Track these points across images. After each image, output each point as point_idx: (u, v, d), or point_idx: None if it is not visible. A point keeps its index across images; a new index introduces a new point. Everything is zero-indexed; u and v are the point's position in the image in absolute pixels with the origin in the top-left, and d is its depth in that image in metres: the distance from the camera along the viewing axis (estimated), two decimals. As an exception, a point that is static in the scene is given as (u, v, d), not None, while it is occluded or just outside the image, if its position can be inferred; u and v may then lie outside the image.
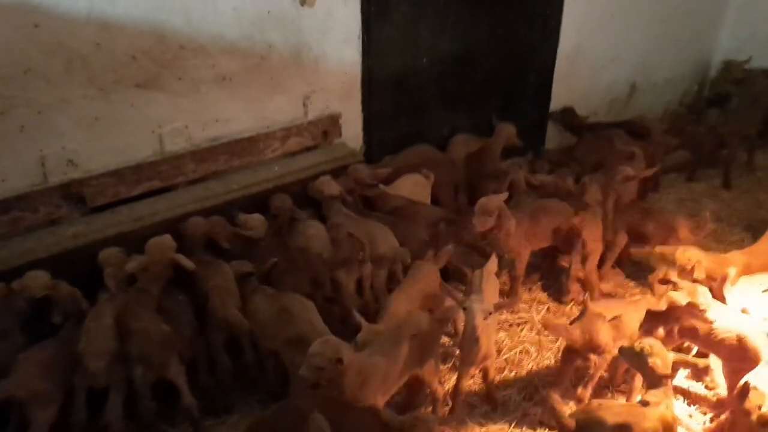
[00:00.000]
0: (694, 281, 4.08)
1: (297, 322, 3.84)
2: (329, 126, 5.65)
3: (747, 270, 4.56)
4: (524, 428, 4.04)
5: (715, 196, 7.41)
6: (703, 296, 3.75)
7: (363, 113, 5.88)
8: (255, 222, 4.60)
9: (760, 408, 3.30)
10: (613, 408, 3.34)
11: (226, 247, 4.47)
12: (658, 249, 4.62)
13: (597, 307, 4.02)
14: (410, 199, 5.36)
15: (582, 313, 4.01)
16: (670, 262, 4.33)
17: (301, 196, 5.09)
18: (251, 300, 4.09)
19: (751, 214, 6.90)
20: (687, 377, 4.43)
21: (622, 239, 5.51)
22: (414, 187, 5.56)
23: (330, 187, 4.99)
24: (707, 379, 4.21)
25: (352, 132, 5.87)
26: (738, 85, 8.93)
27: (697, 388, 4.38)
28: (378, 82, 5.79)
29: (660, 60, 8.72)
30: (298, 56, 5.22)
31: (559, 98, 7.58)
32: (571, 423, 3.19)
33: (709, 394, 4.31)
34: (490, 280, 4.14)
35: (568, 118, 7.60)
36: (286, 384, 3.89)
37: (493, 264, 4.35)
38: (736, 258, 4.67)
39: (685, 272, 4.24)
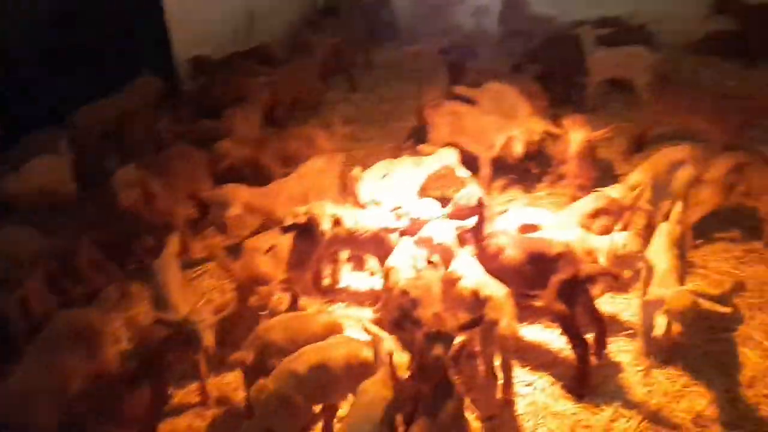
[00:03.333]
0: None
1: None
2: None
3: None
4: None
5: (347, 100, 8.20)
6: (333, 209, 4.28)
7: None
8: None
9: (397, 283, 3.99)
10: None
11: None
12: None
13: (253, 241, 4.31)
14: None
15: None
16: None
17: None
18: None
19: (378, 112, 7.83)
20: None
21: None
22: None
23: None
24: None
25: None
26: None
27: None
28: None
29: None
30: None
31: (183, 43, 7.49)
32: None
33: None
34: (170, 265, 4.14)
35: (200, 65, 7.61)
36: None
37: (172, 247, 4.32)
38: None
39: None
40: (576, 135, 5.34)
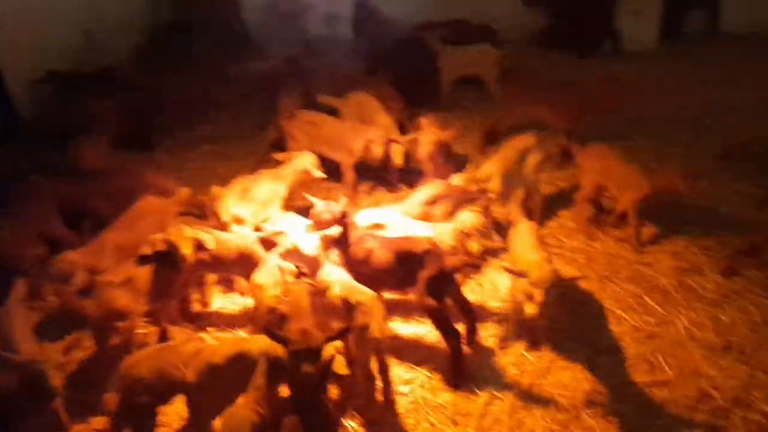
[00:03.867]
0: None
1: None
2: None
3: None
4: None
5: (206, 118, 7.97)
6: (193, 232, 4.13)
7: None
8: None
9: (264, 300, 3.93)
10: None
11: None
12: None
13: (106, 276, 4.08)
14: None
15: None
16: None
17: None
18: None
19: (237, 127, 7.66)
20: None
21: None
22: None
23: None
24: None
25: None
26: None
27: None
28: None
29: None
30: None
31: (15, 69, 6.95)
32: None
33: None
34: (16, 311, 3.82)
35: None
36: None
37: (17, 292, 4.00)
38: None
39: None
40: (425, 137, 5.50)
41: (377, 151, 5.67)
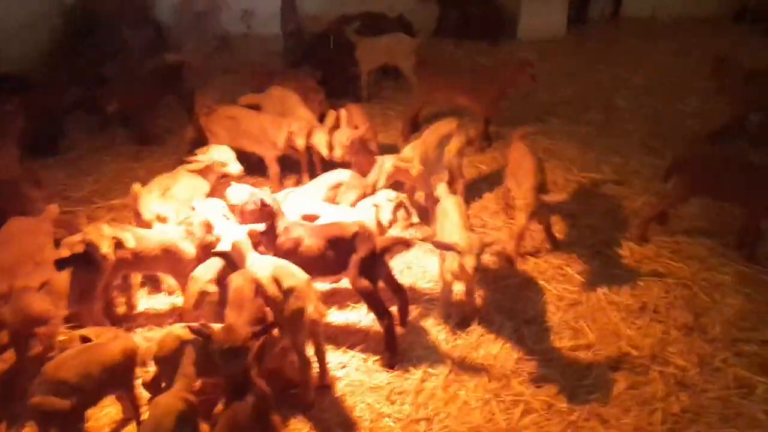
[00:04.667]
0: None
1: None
2: None
3: None
4: None
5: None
6: (112, 231, 4.01)
7: None
8: None
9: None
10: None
11: None
12: None
13: (22, 280, 3.89)
14: None
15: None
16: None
17: None
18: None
19: (155, 127, 7.46)
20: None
21: None
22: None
23: None
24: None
25: None
26: None
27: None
28: None
29: None
30: None
31: None
32: None
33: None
34: None
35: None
36: None
37: None
38: None
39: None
40: (341, 135, 5.52)
41: (300, 143, 5.66)
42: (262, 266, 3.83)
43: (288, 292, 3.69)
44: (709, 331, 4.33)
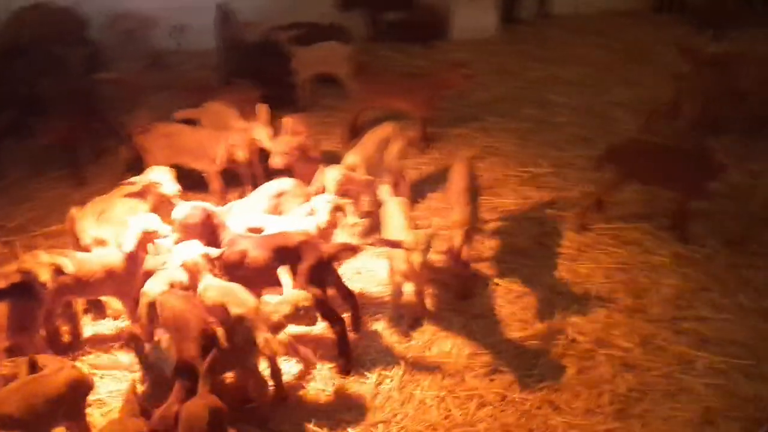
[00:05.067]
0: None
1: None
2: None
3: None
4: None
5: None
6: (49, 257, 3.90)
7: None
8: None
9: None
10: None
11: None
12: None
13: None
14: None
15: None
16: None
17: None
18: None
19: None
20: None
21: None
22: None
23: None
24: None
25: None
26: None
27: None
28: None
29: None
30: None
31: None
32: None
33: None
34: None
35: None
36: None
37: None
38: None
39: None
40: (280, 143, 5.50)
41: (240, 155, 5.62)
42: (212, 290, 3.79)
43: (237, 321, 3.65)
44: (650, 311, 4.52)
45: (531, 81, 8.09)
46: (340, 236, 4.73)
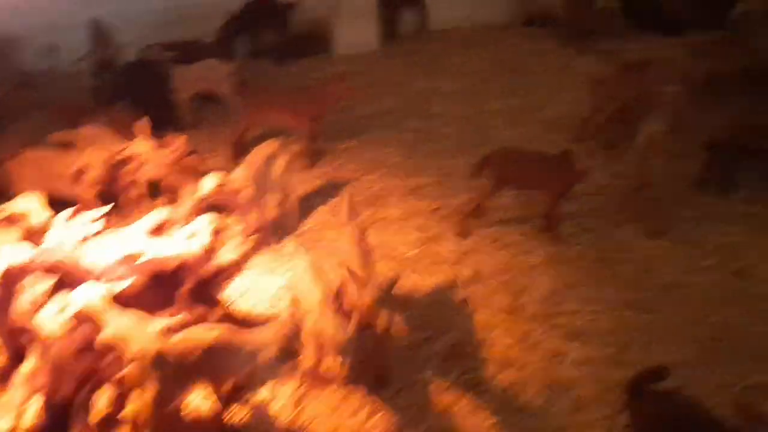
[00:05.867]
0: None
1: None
2: None
3: None
4: None
5: None
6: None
7: None
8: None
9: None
10: None
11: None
12: None
13: None
14: None
15: None
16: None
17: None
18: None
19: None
20: None
21: None
22: None
23: None
24: None
25: None
26: None
27: None
28: None
29: None
30: None
31: None
32: None
33: None
34: None
35: None
36: None
37: None
38: None
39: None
40: (158, 157, 5.39)
41: (121, 178, 5.46)
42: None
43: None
44: (527, 310, 4.78)
45: (414, 93, 8.35)
46: (226, 255, 4.67)
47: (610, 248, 5.42)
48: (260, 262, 5.25)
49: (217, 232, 4.41)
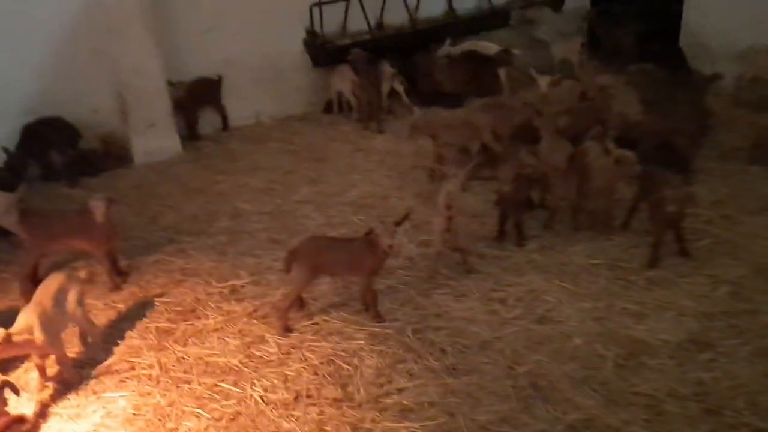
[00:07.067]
0: None
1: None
2: None
3: None
4: None
5: None
6: None
7: None
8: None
9: None
10: None
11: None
12: None
13: None
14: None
15: None
16: None
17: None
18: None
19: None
20: None
21: None
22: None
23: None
24: None
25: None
26: None
27: None
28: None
29: None
30: None
31: None
32: None
33: None
34: None
35: None
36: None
37: None
38: None
39: None
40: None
41: None
42: None
43: None
44: (356, 397, 4.73)
45: (220, 194, 8.22)
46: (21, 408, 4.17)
47: (427, 317, 5.60)
48: (66, 405, 4.76)
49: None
